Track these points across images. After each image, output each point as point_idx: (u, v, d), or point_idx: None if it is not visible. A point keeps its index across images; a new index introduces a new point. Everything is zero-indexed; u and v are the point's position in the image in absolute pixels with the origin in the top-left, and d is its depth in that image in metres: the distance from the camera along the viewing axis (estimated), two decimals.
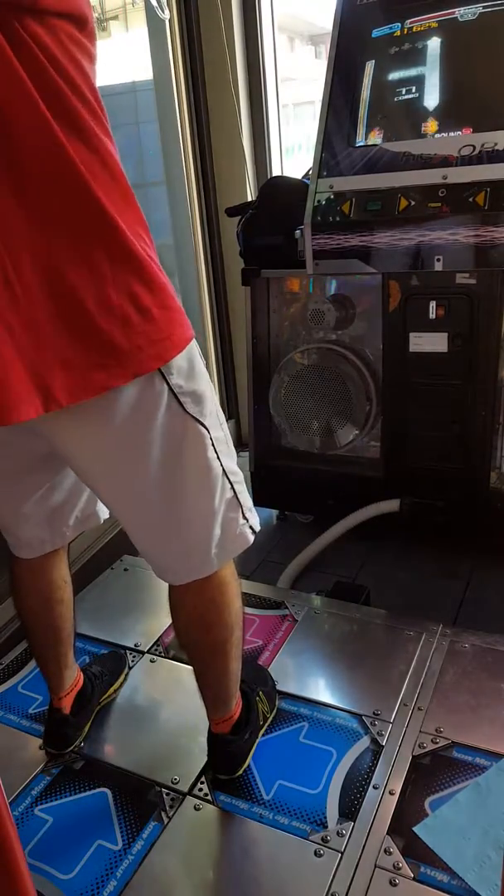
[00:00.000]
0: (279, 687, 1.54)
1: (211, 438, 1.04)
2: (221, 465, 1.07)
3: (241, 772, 1.35)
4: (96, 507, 1.29)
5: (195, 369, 1.00)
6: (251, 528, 1.16)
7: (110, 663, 1.62)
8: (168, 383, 0.95)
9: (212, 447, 1.04)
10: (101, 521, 1.32)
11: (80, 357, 0.85)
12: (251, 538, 1.16)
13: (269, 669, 1.60)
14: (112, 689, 1.57)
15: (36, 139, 0.78)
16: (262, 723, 1.42)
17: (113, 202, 0.84)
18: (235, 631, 1.23)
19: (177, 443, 1.00)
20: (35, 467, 1.14)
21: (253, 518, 1.16)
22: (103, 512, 1.31)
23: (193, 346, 1.00)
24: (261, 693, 1.45)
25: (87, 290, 0.84)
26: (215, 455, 1.05)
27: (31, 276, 0.81)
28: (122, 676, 1.61)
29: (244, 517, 1.14)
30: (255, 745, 1.40)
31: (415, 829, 1.22)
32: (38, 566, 1.29)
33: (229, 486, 1.10)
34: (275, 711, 1.48)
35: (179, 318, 0.95)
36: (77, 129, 0.81)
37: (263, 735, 1.43)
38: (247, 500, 1.14)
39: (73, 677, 1.44)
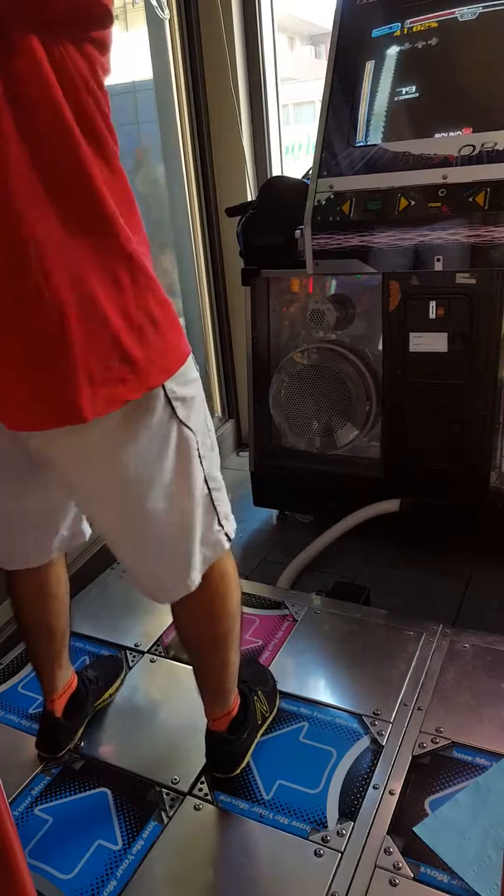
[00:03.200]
0: (279, 687, 1.54)
1: (197, 443, 1.05)
2: (203, 470, 1.08)
3: (238, 771, 1.35)
4: (82, 524, 1.28)
5: (187, 376, 1.02)
6: (226, 534, 1.16)
7: (106, 667, 1.61)
8: (164, 388, 0.98)
9: (196, 452, 1.05)
10: (87, 539, 1.31)
11: (103, 372, 0.88)
12: (226, 545, 1.17)
13: (269, 669, 1.60)
14: (107, 694, 1.56)
15: (68, 164, 0.83)
16: (260, 722, 1.42)
17: (127, 222, 0.89)
18: (237, 622, 1.25)
19: (165, 446, 1.01)
20: (20, 480, 1.13)
21: (228, 525, 1.16)
22: (89, 529, 1.30)
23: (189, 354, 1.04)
24: (260, 693, 1.45)
25: (114, 308, 0.88)
26: (199, 460, 1.06)
27: (67, 294, 0.84)
28: (119, 681, 1.61)
29: (219, 524, 1.14)
30: (254, 744, 1.40)
31: (415, 829, 1.22)
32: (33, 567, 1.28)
33: (207, 491, 1.10)
34: (275, 711, 1.48)
35: (181, 332, 0.99)
36: (101, 151, 0.86)
37: (264, 735, 1.43)
38: (224, 507, 1.15)
39: (67, 679, 1.44)
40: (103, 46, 0.88)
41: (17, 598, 1.33)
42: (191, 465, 1.05)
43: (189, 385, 1.02)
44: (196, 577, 1.12)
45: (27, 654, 1.71)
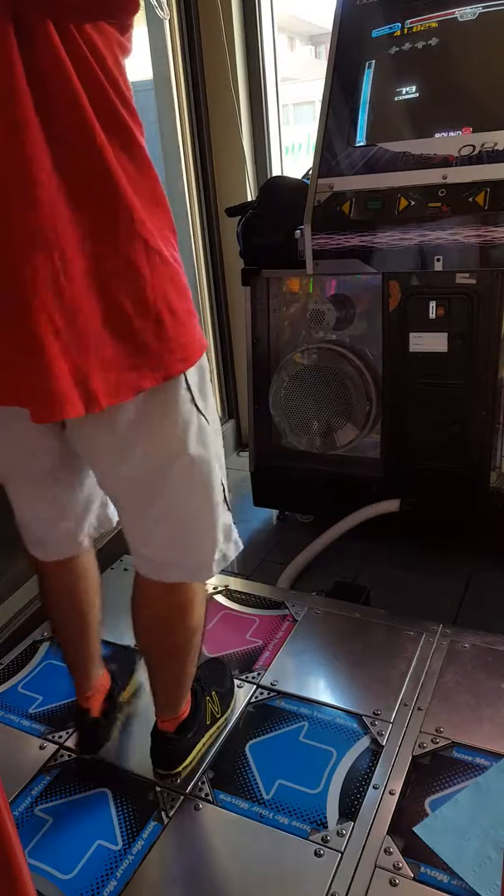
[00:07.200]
0: (279, 687, 1.55)
1: (213, 433, 1.06)
2: (220, 465, 1.09)
3: (180, 769, 1.34)
4: (108, 510, 1.28)
5: (203, 368, 1.03)
6: (235, 542, 1.18)
7: (124, 662, 1.61)
8: (185, 376, 0.98)
9: (213, 443, 1.06)
10: (115, 525, 1.30)
11: (117, 359, 0.87)
12: (241, 545, 1.19)
13: (268, 670, 1.60)
14: (129, 688, 1.55)
15: (84, 147, 0.81)
16: (209, 723, 1.41)
17: (146, 205, 0.87)
18: (196, 636, 1.24)
19: (187, 433, 1.02)
20: (55, 468, 1.13)
21: (236, 532, 1.18)
22: (115, 515, 1.29)
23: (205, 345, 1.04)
24: (213, 694, 1.44)
25: (128, 294, 0.86)
26: (215, 453, 1.07)
27: (81, 277, 0.83)
28: (134, 675, 1.60)
29: (232, 523, 1.16)
30: (204, 744, 1.39)
31: (415, 829, 1.22)
32: (61, 561, 1.27)
33: (223, 489, 1.11)
34: (228, 713, 1.47)
35: (197, 323, 0.98)
36: (117, 131, 0.84)
37: (264, 735, 1.43)
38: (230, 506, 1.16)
39: (100, 676, 1.43)
40: (122, 26, 0.85)
41: (51, 596, 1.32)
42: (209, 455, 1.05)
43: (203, 376, 1.03)
44: (214, 569, 1.14)
45: (31, 652, 1.71)
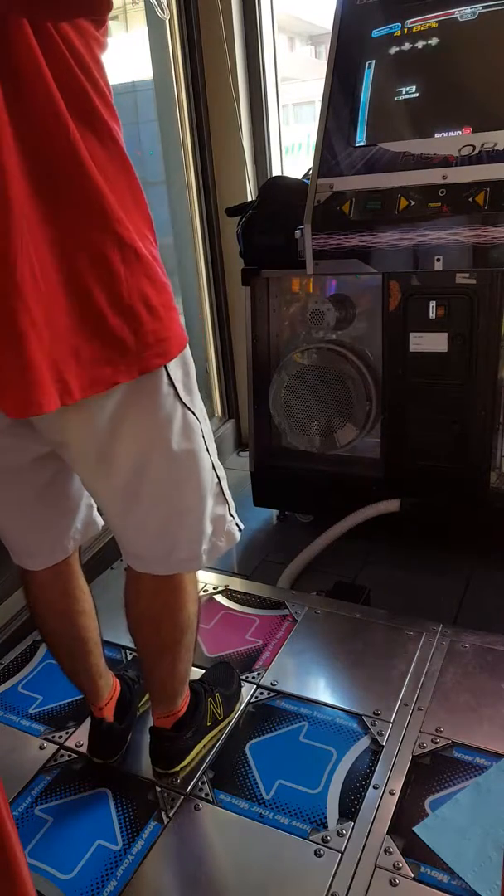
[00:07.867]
0: (279, 687, 1.55)
1: (201, 429, 1.06)
2: (210, 457, 1.08)
3: (178, 768, 1.34)
4: (93, 514, 1.26)
5: (187, 363, 1.02)
6: (237, 525, 1.18)
7: (138, 666, 1.59)
8: (166, 369, 0.98)
9: (202, 438, 1.06)
10: (100, 530, 1.29)
11: (91, 352, 0.87)
12: (238, 536, 1.18)
13: (268, 670, 1.60)
14: (147, 696, 1.50)
15: (56, 141, 0.81)
16: (209, 724, 1.40)
17: (122, 202, 0.87)
18: (187, 634, 1.23)
19: (170, 428, 1.01)
20: (33, 471, 1.11)
21: (236, 516, 1.18)
22: (101, 520, 1.28)
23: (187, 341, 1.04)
24: (217, 695, 1.43)
25: (102, 290, 0.86)
26: (205, 447, 1.07)
27: (53, 273, 0.83)
28: None
29: (230, 514, 1.16)
30: (204, 745, 1.39)
31: (415, 829, 1.22)
32: (50, 580, 1.25)
33: (217, 480, 1.11)
34: (231, 717, 1.46)
35: (177, 318, 0.98)
36: (93, 127, 0.84)
37: (264, 735, 1.43)
38: (230, 497, 1.16)
39: (110, 685, 1.40)
40: (98, 21, 0.85)
41: (42, 622, 1.30)
42: (197, 450, 1.05)
43: (189, 371, 1.03)
44: (204, 561, 1.13)
45: (31, 652, 1.71)
